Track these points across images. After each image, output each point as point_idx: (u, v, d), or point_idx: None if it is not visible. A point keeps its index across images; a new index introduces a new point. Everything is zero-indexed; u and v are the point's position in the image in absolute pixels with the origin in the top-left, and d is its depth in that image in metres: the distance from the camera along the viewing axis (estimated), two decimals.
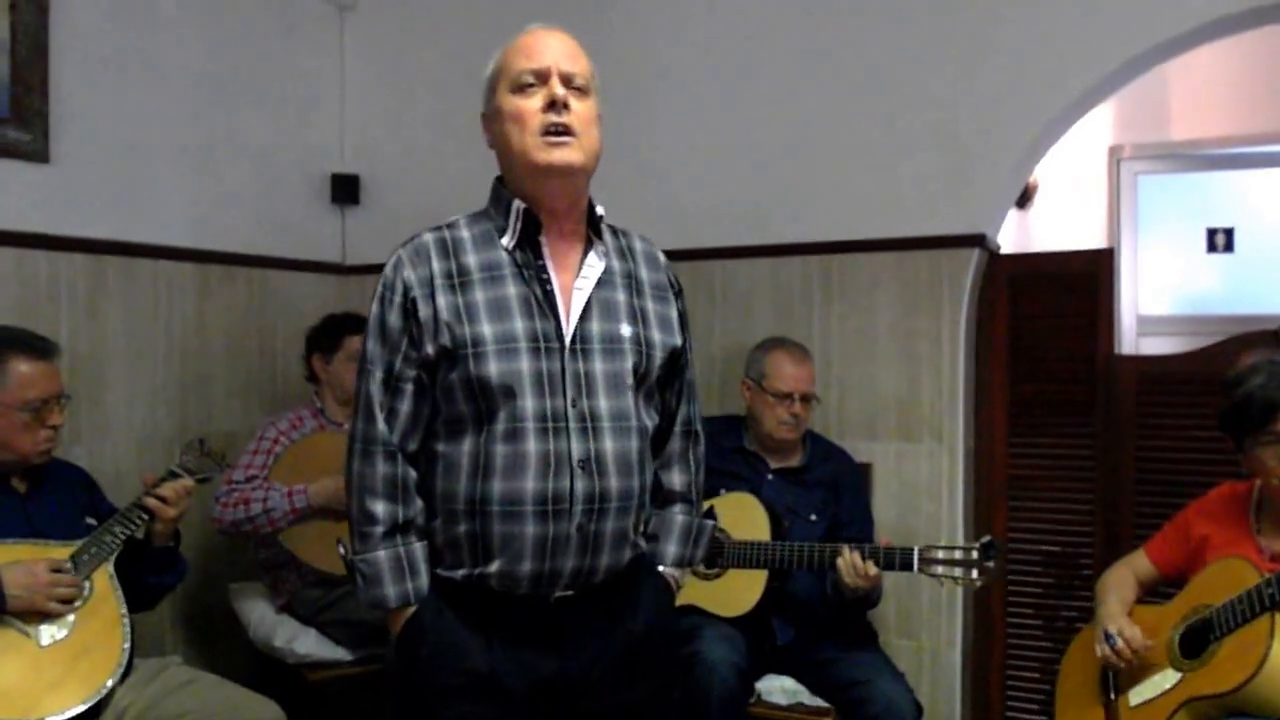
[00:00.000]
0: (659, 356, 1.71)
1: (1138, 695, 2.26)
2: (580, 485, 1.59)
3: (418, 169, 3.68)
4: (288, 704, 2.39)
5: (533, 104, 1.63)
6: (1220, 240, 4.79)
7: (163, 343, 3.17)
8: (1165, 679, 2.22)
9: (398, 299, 1.64)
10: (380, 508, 1.63)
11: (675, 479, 1.83)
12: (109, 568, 2.28)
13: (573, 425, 1.60)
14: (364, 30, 3.77)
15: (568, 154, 1.62)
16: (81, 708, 2.13)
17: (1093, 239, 4.77)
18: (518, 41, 1.69)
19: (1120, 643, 2.25)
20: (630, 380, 1.66)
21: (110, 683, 2.18)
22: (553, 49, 1.66)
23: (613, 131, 3.36)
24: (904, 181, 3.01)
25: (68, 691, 2.13)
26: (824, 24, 3.10)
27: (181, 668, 2.44)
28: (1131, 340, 4.77)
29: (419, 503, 1.66)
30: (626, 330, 1.68)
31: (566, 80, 1.64)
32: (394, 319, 1.64)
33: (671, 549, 1.81)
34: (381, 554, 1.63)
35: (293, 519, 2.86)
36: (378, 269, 3.83)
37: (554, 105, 1.62)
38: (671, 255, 3.24)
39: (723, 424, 2.94)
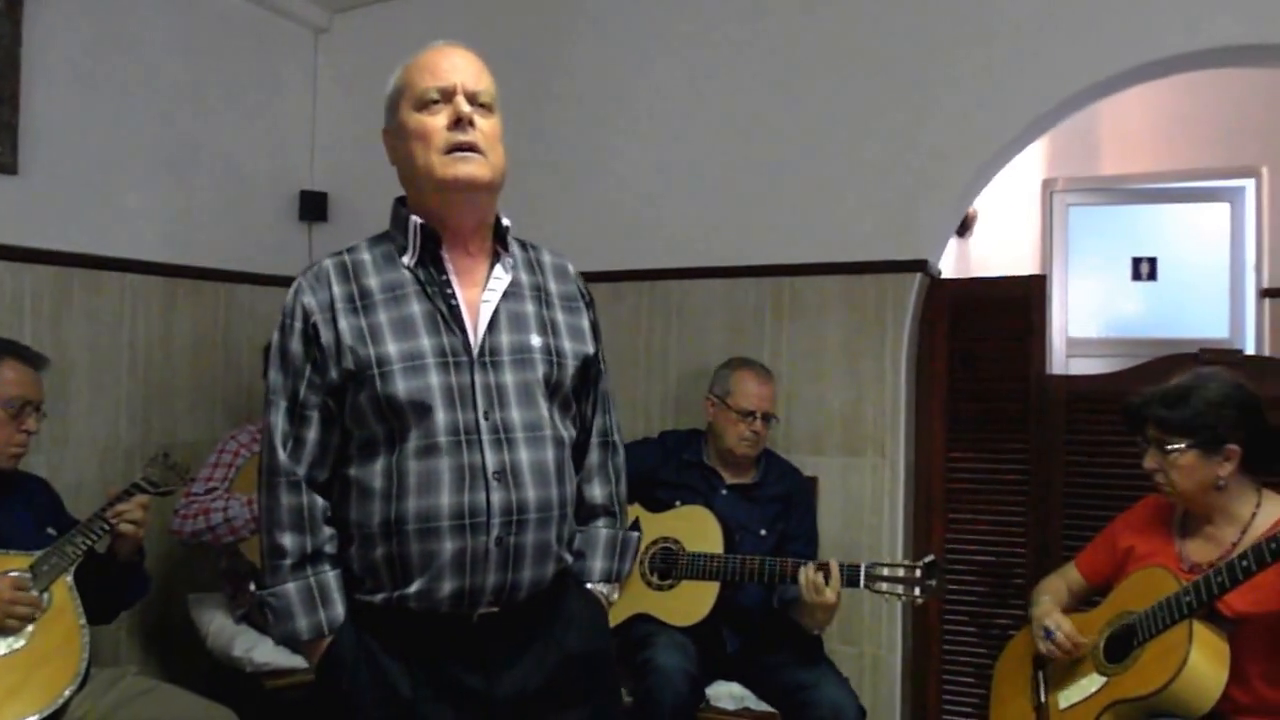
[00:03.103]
0: (571, 365, 1.67)
1: (1066, 698, 2.32)
2: (496, 497, 1.55)
3: (385, 188, 3.59)
4: (245, 712, 2.39)
5: (437, 121, 1.60)
6: (1144, 269, 4.99)
7: (127, 354, 3.15)
8: (1091, 682, 2.27)
9: (298, 325, 1.60)
10: (287, 540, 1.58)
11: (596, 491, 1.79)
12: (68, 578, 2.26)
13: (485, 437, 1.56)
14: (337, 52, 3.80)
15: (474, 169, 1.59)
16: (37, 717, 2.11)
17: (1027, 266, 4.92)
18: (421, 58, 1.67)
19: (1060, 635, 2.31)
20: (542, 390, 1.63)
21: (68, 692, 2.16)
22: (458, 67, 1.64)
23: (574, 155, 3.47)
24: (852, 210, 3.10)
25: (25, 700, 2.11)
26: (781, 59, 3.19)
27: (138, 677, 2.42)
28: (1062, 361, 4.92)
29: (328, 530, 1.60)
30: (536, 340, 1.64)
31: (472, 98, 1.61)
32: (295, 346, 1.60)
33: (598, 564, 1.76)
34: (290, 586, 1.57)
35: (254, 527, 2.83)
36: None
37: (460, 123, 1.59)
38: (629, 275, 3.37)
39: (685, 437, 3.01)
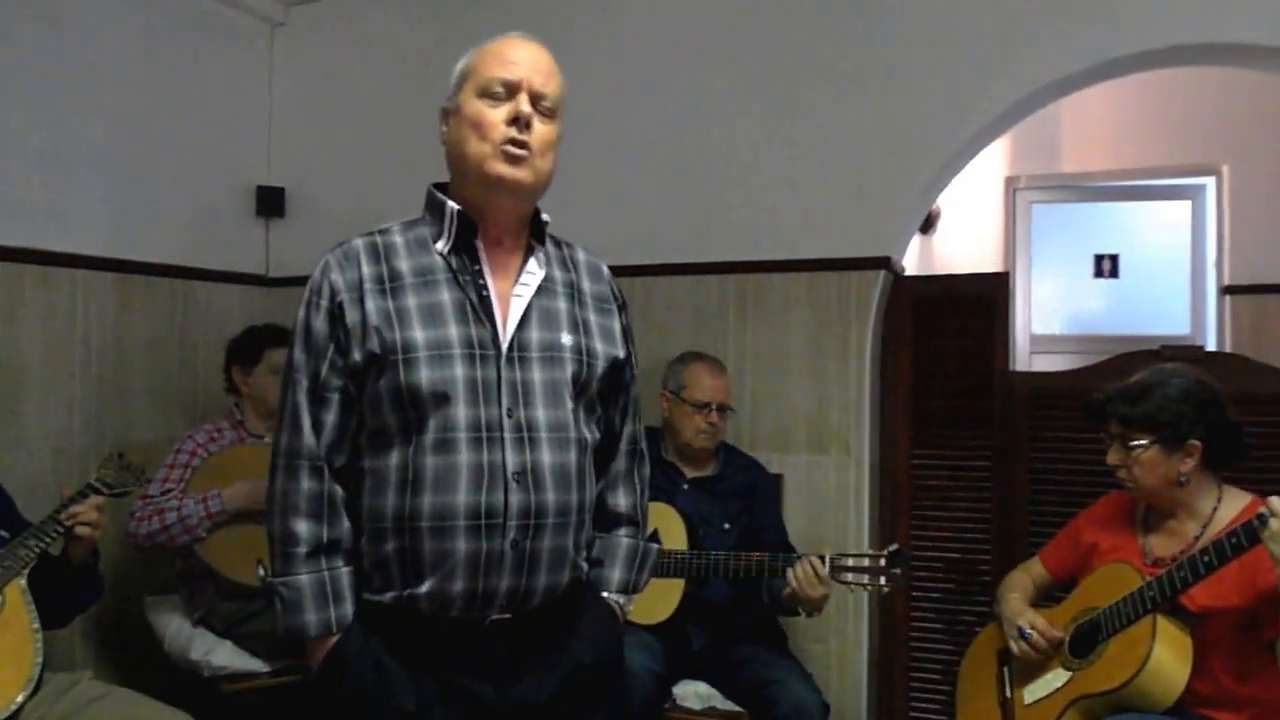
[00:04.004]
0: (600, 366, 1.63)
1: (1031, 693, 2.33)
2: (515, 499, 1.50)
3: (343, 182, 3.67)
4: (203, 717, 2.35)
5: (496, 114, 1.56)
6: (1106, 266, 5.04)
7: (80, 352, 3.10)
8: (1056, 678, 2.29)
9: (324, 304, 1.56)
10: (304, 527, 1.53)
11: (621, 500, 1.74)
12: (21, 581, 2.21)
13: (508, 436, 1.51)
14: (293, 46, 3.76)
15: (520, 172, 1.56)
16: None
17: (990, 263, 4.96)
18: (496, 44, 1.62)
19: (1035, 635, 2.32)
20: (569, 390, 1.58)
21: (20, 698, 2.11)
22: (530, 62, 1.59)
23: None
24: (816, 206, 3.11)
25: None
26: (746, 57, 3.19)
27: (94, 682, 2.36)
28: (1025, 358, 4.97)
29: (346, 523, 1.55)
30: (567, 339, 1.60)
31: (536, 99, 1.58)
32: (320, 324, 1.56)
33: (616, 574, 1.71)
34: (304, 577, 1.52)
35: (210, 525, 2.81)
36: (302, 281, 3.79)
37: (517, 122, 1.55)
38: None
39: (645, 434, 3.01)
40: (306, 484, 1.54)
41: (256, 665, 2.83)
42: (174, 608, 3.01)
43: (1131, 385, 2.28)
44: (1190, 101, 4.53)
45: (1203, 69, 3.58)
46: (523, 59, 1.59)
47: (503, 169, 1.55)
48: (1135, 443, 2.23)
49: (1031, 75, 2.90)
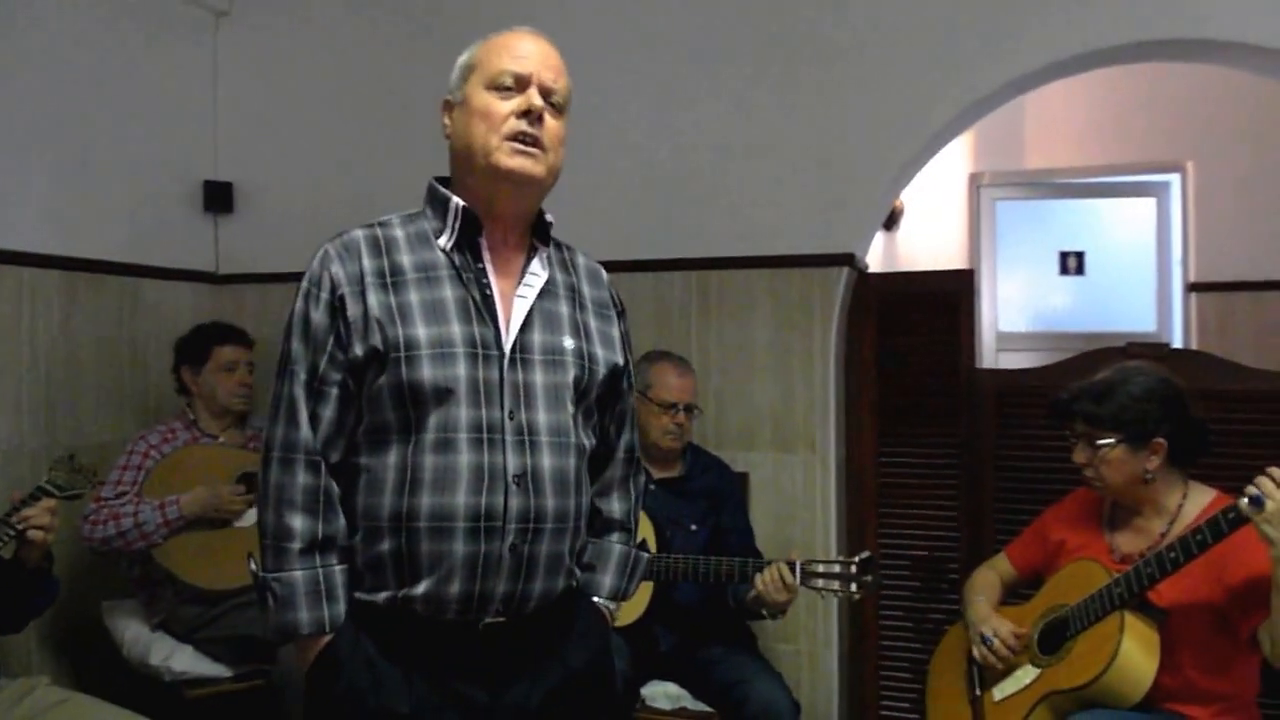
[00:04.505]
0: (601, 373, 1.62)
1: (1000, 691, 2.34)
2: (515, 502, 1.49)
3: (293, 177, 3.61)
4: None
5: (506, 106, 1.54)
6: (1072, 263, 5.07)
7: (27, 353, 3.03)
8: (1025, 675, 2.30)
9: (325, 295, 1.52)
10: (299, 522, 1.50)
11: (615, 506, 1.73)
12: None
13: (509, 438, 1.50)
14: (239, 36, 3.69)
15: (531, 165, 1.54)
16: None
17: (954, 260, 4.97)
18: (502, 37, 1.60)
19: (996, 642, 2.33)
20: (571, 395, 1.57)
21: None
22: (539, 56, 1.58)
23: None
24: (779, 203, 3.09)
25: None
26: (708, 54, 3.17)
27: (51, 688, 2.34)
28: (991, 355, 4.99)
29: (341, 520, 1.53)
30: (569, 343, 1.59)
31: (546, 93, 1.56)
32: (320, 316, 1.52)
33: (608, 580, 1.71)
34: (298, 573, 1.49)
35: (167, 531, 2.77)
36: (252, 278, 3.76)
37: (528, 114, 1.53)
38: None
39: None
40: (303, 478, 1.51)
41: (218, 670, 2.79)
42: (132, 612, 2.97)
43: (1096, 384, 2.28)
44: (1155, 98, 4.56)
45: (1167, 65, 3.59)
46: (532, 53, 1.58)
47: (514, 162, 1.53)
48: (1101, 441, 2.23)
49: (995, 71, 2.90)
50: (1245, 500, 1.97)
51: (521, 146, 1.53)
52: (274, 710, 2.64)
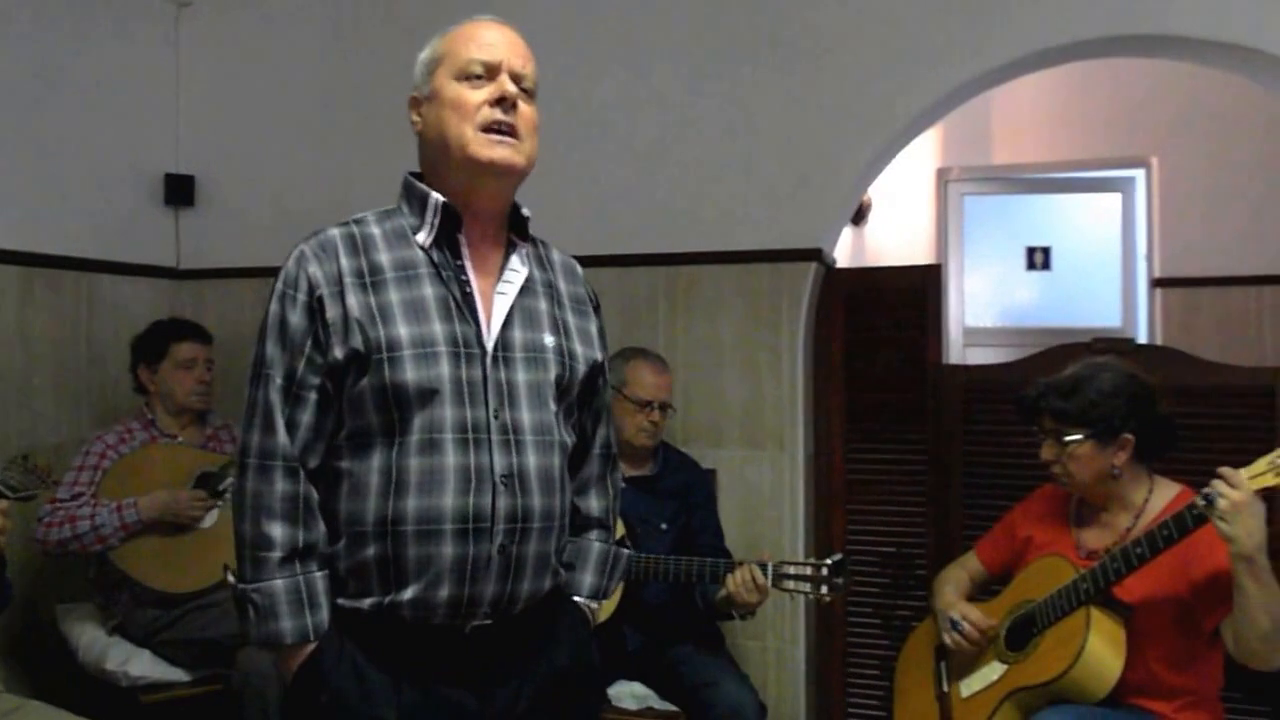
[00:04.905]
0: (582, 370, 1.61)
1: (968, 687, 2.35)
2: (502, 503, 1.48)
3: (257, 170, 3.56)
4: None
5: (478, 96, 1.51)
6: (1039, 258, 5.10)
7: None
8: (992, 671, 2.31)
9: (302, 297, 1.49)
10: (279, 530, 1.47)
11: (593, 504, 1.72)
12: None
13: (495, 438, 1.48)
14: (201, 27, 3.63)
15: (510, 154, 1.52)
16: None
17: (922, 255, 4.98)
18: (466, 28, 1.58)
19: (966, 626, 2.34)
20: (553, 392, 1.56)
21: None
22: (506, 44, 1.56)
23: None
24: (747, 197, 3.08)
25: None
26: (675, 49, 3.15)
27: (4, 695, 2.31)
28: (958, 351, 5.00)
29: (321, 526, 1.50)
30: (550, 340, 1.58)
31: (516, 79, 1.54)
32: (297, 318, 1.49)
33: (588, 579, 1.69)
34: (279, 583, 1.47)
35: (124, 535, 2.73)
36: (214, 273, 3.71)
37: (503, 102, 1.51)
38: None
39: None
40: (281, 486, 1.48)
41: (176, 675, 2.76)
42: (88, 616, 2.92)
43: (1063, 380, 2.28)
44: (1120, 93, 4.58)
45: (1133, 61, 3.62)
46: (500, 40, 1.56)
47: (494, 152, 1.51)
48: (1069, 438, 2.24)
49: (962, 66, 2.90)
50: (1202, 500, 2.00)
51: (499, 136, 1.51)
52: (233, 715, 2.60)
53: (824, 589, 2.44)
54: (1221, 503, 1.96)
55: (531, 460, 1.51)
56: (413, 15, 3.36)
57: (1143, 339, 4.64)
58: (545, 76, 3.36)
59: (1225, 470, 1.99)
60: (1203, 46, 2.78)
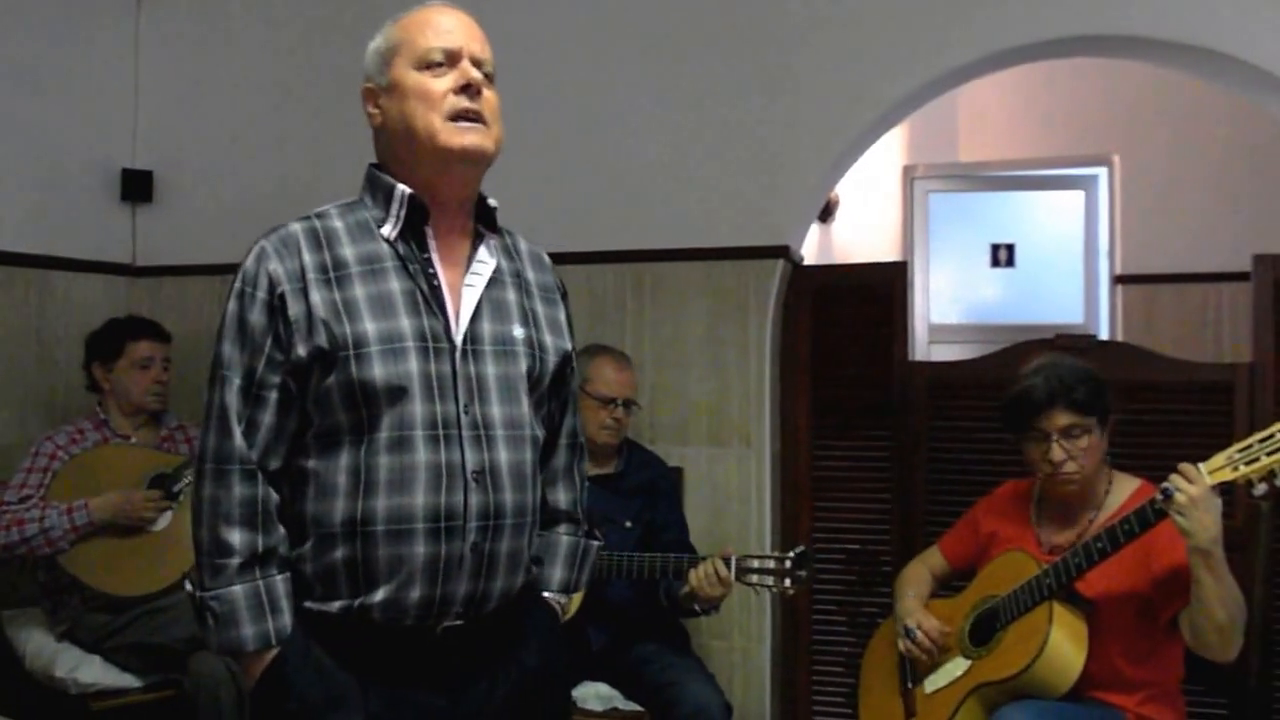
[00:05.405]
0: (552, 361, 1.59)
1: (932, 684, 2.35)
2: (474, 500, 1.45)
3: (217, 166, 3.51)
4: None
5: (441, 84, 1.48)
6: (1003, 255, 5.13)
7: None
8: (956, 667, 2.31)
9: (261, 295, 1.45)
10: (237, 536, 1.43)
11: (560, 496, 1.70)
12: None
13: (465, 433, 1.46)
14: (162, 20, 3.58)
15: (480, 140, 1.49)
16: None
17: (888, 252, 5.00)
18: (420, 15, 1.54)
19: (920, 635, 2.34)
20: (524, 385, 1.54)
21: None
22: (464, 30, 1.53)
23: None
24: (714, 194, 3.07)
25: None
26: (643, 43, 3.14)
27: None
28: (924, 347, 5.02)
29: (281, 530, 1.47)
30: (519, 332, 1.55)
31: (477, 64, 1.52)
32: (256, 317, 1.45)
33: (557, 573, 1.67)
34: (238, 589, 1.42)
35: (74, 537, 2.68)
36: (171, 270, 3.64)
37: (468, 89, 1.49)
38: None
39: None
40: (239, 490, 1.44)
41: (128, 681, 2.70)
42: (36, 622, 2.86)
43: (1054, 374, 2.23)
44: (1083, 93, 4.62)
45: (1096, 60, 3.65)
46: (457, 26, 1.53)
47: (465, 140, 1.48)
48: (1086, 430, 2.21)
49: (928, 64, 2.91)
50: (1160, 496, 2.01)
51: (468, 123, 1.48)
52: None
53: (787, 581, 2.44)
54: (1179, 497, 1.97)
55: (503, 455, 1.49)
56: (374, 11, 3.31)
57: (1104, 335, 4.68)
58: (510, 71, 3.33)
59: (1184, 466, 2.00)
60: (1164, 48, 2.82)
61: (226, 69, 3.51)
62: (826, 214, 4.64)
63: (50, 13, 3.27)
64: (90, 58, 3.42)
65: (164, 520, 2.79)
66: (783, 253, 3.03)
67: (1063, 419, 2.21)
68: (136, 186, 3.53)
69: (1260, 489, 1.98)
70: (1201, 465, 2.00)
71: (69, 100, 3.34)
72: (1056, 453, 2.21)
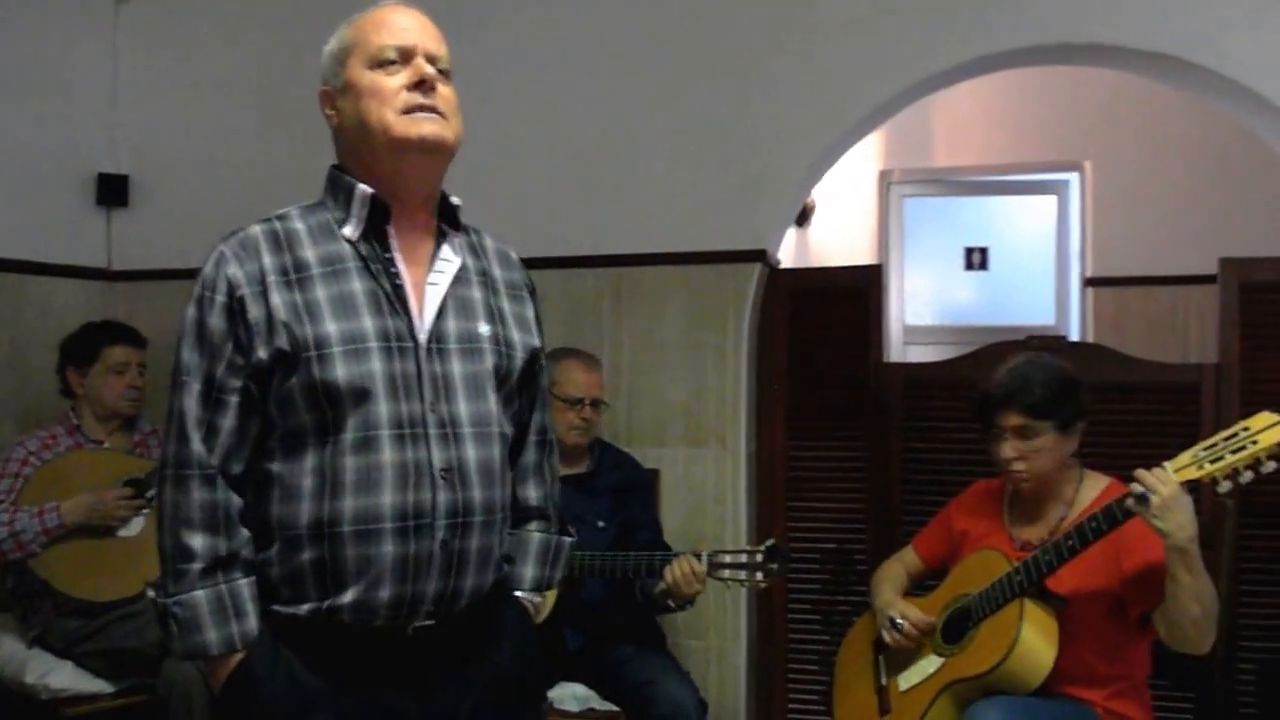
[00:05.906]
0: (520, 358, 1.58)
1: (906, 680, 2.36)
2: (443, 497, 1.44)
3: (194, 170, 3.49)
4: None
5: (395, 82, 1.49)
6: (976, 258, 5.16)
7: None
8: (930, 664, 2.33)
9: (220, 299, 1.44)
10: (199, 541, 1.42)
11: (531, 493, 1.68)
12: None
13: (432, 431, 1.45)
14: (140, 22, 3.56)
15: (437, 129, 1.49)
16: None
17: (864, 255, 5.02)
18: (373, 15, 1.54)
19: (906, 625, 2.35)
20: (492, 383, 1.53)
21: None
22: (418, 28, 1.53)
23: None
24: (692, 199, 3.09)
25: None
26: (621, 47, 3.15)
27: None
28: (898, 349, 5.05)
29: (244, 533, 1.45)
30: (485, 329, 1.54)
31: (432, 61, 1.51)
32: (216, 321, 1.44)
33: (529, 571, 1.66)
34: (200, 594, 1.42)
35: (45, 540, 2.66)
36: (147, 275, 3.62)
37: (422, 85, 1.48)
38: None
39: None
40: (198, 495, 1.43)
41: (100, 686, 2.69)
42: (6, 627, 2.85)
43: (1021, 374, 2.27)
44: (1056, 99, 4.65)
45: (1069, 68, 3.68)
46: (411, 24, 1.53)
47: (422, 128, 1.48)
48: (1039, 432, 2.24)
49: (904, 71, 2.94)
50: (1132, 499, 2.03)
51: (423, 114, 1.48)
52: None
53: (759, 575, 2.46)
54: (1154, 499, 1.99)
55: (471, 453, 1.48)
56: (351, 15, 3.32)
57: (1075, 337, 4.71)
58: (488, 77, 3.35)
59: (1140, 472, 2.02)
60: (1135, 56, 2.86)
61: (204, 74, 3.50)
62: (803, 218, 4.65)
63: (27, 16, 3.24)
64: (67, 62, 3.40)
65: (136, 525, 2.77)
66: (760, 257, 3.05)
67: (1015, 419, 2.25)
68: (113, 190, 3.51)
69: (1225, 486, 1.99)
70: (1168, 464, 2.03)
71: (45, 104, 3.31)
72: (1007, 450, 2.26)
